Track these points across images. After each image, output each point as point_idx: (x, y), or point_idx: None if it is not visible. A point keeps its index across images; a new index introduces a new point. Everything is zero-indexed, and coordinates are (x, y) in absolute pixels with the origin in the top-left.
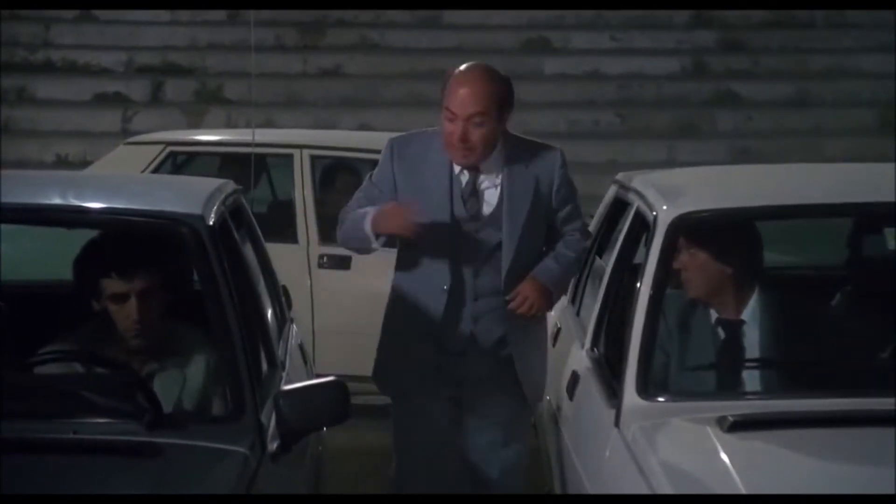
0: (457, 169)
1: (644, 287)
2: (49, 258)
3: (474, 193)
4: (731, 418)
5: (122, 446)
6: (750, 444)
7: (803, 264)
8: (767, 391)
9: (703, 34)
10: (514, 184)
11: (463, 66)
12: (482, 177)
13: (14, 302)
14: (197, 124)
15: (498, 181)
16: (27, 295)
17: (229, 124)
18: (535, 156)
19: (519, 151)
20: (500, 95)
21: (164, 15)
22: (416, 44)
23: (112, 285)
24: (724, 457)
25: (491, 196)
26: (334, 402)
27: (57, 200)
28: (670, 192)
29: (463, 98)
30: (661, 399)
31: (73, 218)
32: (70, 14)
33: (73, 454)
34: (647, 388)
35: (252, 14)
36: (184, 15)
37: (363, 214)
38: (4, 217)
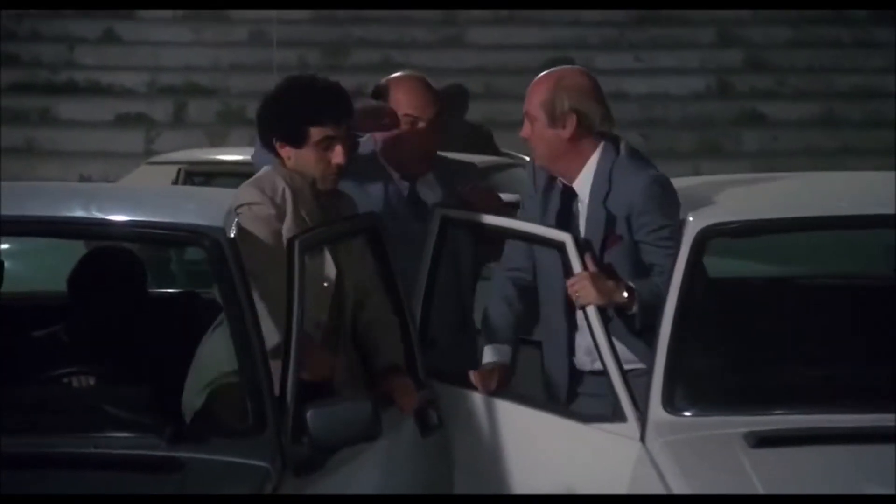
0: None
1: (671, 298)
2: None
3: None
4: (757, 434)
5: (142, 461)
6: (777, 460)
7: (835, 274)
8: (795, 406)
9: (727, 54)
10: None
11: (409, 73)
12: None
13: (34, 315)
14: (220, 145)
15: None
16: (47, 308)
17: (252, 145)
18: None
19: None
20: None
21: (186, 35)
22: (439, 63)
23: None
24: (750, 473)
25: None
26: (364, 419)
27: (78, 213)
28: (697, 202)
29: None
30: (686, 413)
31: (93, 231)
32: (93, 35)
33: (94, 469)
34: (673, 402)
35: (275, 32)
36: (207, 35)
37: None
38: (26, 229)
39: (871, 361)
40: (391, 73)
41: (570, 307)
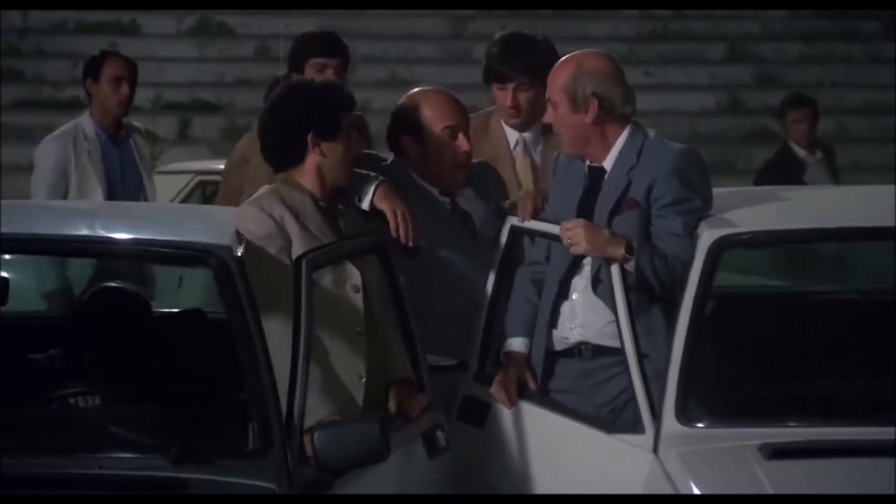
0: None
1: (685, 309)
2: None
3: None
4: (772, 446)
5: (148, 482)
6: (791, 473)
7: (849, 289)
8: (809, 418)
9: (738, 69)
10: None
11: (433, 88)
12: None
13: (38, 334)
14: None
15: None
16: (52, 326)
17: None
18: None
19: None
20: None
21: (191, 51)
22: (446, 79)
23: None
24: (765, 485)
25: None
26: (372, 440)
27: (84, 231)
28: (711, 213)
29: None
30: (700, 425)
31: (99, 249)
32: (97, 51)
33: (99, 490)
34: (686, 414)
35: (280, 47)
36: (212, 51)
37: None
38: (32, 248)
39: (887, 375)
40: (396, 89)
41: (564, 281)
